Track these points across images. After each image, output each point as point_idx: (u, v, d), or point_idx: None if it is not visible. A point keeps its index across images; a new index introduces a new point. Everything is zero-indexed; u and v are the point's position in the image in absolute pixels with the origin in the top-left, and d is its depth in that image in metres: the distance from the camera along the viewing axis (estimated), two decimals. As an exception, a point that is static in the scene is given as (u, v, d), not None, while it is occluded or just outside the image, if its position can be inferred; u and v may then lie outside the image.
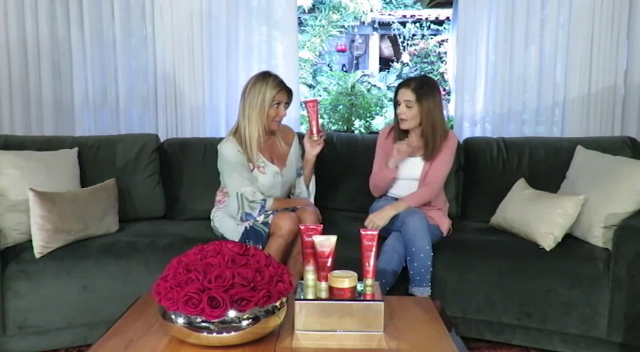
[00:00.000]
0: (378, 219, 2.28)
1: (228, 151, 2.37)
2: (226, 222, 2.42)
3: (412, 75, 8.44)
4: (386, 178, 2.46)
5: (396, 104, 2.45)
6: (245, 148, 2.36)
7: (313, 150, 2.45)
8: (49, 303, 2.17)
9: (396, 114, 2.48)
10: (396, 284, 2.23)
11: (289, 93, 2.40)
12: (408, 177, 2.49)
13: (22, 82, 3.11)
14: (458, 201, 2.80)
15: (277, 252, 2.19)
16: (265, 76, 2.38)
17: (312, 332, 1.48)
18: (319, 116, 2.45)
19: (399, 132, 2.50)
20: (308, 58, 7.65)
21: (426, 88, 2.39)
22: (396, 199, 2.43)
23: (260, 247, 2.29)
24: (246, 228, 2.32)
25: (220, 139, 2.97)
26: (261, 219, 2.30)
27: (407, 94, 2.39)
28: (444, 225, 2.42)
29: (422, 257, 2.16)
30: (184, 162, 2.84)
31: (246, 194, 2.31)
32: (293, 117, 3.31)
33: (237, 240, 2.30)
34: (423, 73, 8.04)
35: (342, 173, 2.84)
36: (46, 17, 3.09)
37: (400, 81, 2.53)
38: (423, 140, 2.45)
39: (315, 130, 2.40)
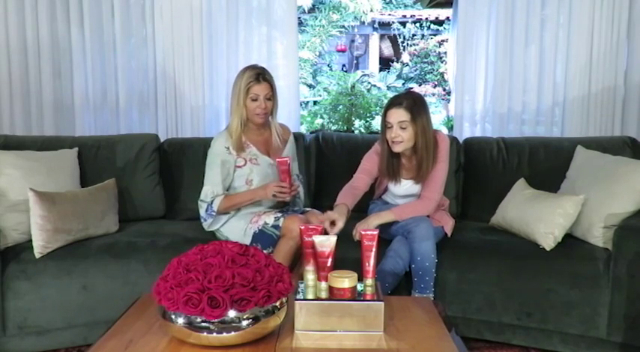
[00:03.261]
0: (362, 230, 2.22)
1: (216, 146, 2.40)
2: (233, 226, 2.39)
3: (411, 75, 8.45)
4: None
5: (385, 127, 2.27)
6: (232, 139, 2.38)
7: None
8: (49, 303, 2.17)
9: (384, 139, 2.30)
10: (398, 288, 2.22)
11: (269, 85, 2.34)
12: (406, 194, 2.41)
13: (22, 82, 3.11)
14: (458, 201, 2.80)
15: (288, 254, 2.18)
16: (246, 69, 2.37)
17: (312, 332, 1.48)
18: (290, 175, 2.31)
19: (388, 156, 2.33)
20: (308, 58, 7.66)
21: (418, 104, 2.23)
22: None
23: (271, 250, 2.29)
24: (255, 232, 2.32)
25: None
26: (271, 221, 2.31)
27: (400, 114, 2.21)
28: (448, 225, 2.38)
29: (427, 265, 2.15)
30: (184, 162, 2.84)
31: (202, 192, 2.37)
32: (293, 117, 3.31)
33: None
34: (423, 72, 8.05)
35: (342, 173, 2.83)
36: (46, 17, 3.09)
37: (387, 102, 2.31)
38: (417, 161, 2.30)
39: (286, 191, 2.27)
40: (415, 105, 2.23)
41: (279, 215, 2.32)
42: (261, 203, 2.42)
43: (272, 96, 2.37)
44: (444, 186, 2.36)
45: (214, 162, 2.37)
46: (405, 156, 2.36)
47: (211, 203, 2.34)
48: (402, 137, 2.23)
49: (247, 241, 2.32)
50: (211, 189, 2.35)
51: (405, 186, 2.39)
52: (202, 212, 2.39)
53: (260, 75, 2.33)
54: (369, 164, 2.41)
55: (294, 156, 2.56)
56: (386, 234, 2.24)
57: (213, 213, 2.35)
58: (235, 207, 2.38)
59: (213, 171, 2.37)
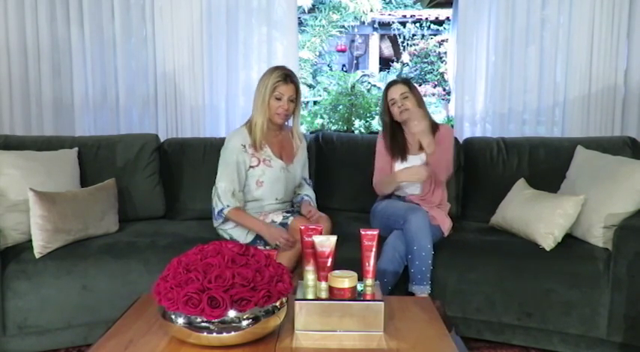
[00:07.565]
0: (420, 174, 2.33)
1: (233, 143, 2.36)
2: (239, 226, 2.38)
3: (411, 75, 8.46)
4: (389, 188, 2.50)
5: (389, 106, 2.53)
6: (252, 136, 2.36)
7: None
8: (49, 303, 2.17)
9: (385, 122, 2.56)
10: (396, 283, 2.23)
11: (294, 88, 2.35)
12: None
13: (22, 82, 3.12)
14: (458, 201, 2.80)
15: (294, 256, 2.18)
16: (274, 68, 2.38)
17: (312, 332, 1.48)
18: None
19: (393, 134, 2.55)
20: (308, 58, 7.66)
21: (410, 82, 2.56)
22: (401, 197, 2.46)
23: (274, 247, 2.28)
24: None
25: (220, 139, 2.98)
26: (279, 219, 2.31)
27: (400, 88, 2.50)
28: (445, 225, 2.40)
29: (423, 255, 2.16)
30: (184, 162, 2.84)
31: (219, 189, 2.31)
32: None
33: (248, 242, 2.30)
34: (423, 73, 8.06)
35: (343, 173, 2.84)
36: (46, 17, 3.10)
37: (385, 86, 2.64)
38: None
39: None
40: (408, 82, 2.57)
41: (287, 214, 2.33)
42: (264, 205, 2.41)
43: (295, 98, 2.37)
44: (452, 159, 2.52)
45: (230, 159, 2.33)
46: (408, 132, 2.51)
47: (222, 209, 2.31)
48: (406, 105, 2.48)
49: (250, 239, 2.32)
50: (230, 186, 2.30)
51: (412, 163, 2.47)
52: (216, 209, 2.35)
53: (288, 76, 2.34)
54: (381, 162, 2.55)
55: (304, 162, 2.56)
56: (382, 231, 2.24)
57: (221, 219, 2.34)
58: (240, 225, 2.34)
59: (230, 168, 2.32)
